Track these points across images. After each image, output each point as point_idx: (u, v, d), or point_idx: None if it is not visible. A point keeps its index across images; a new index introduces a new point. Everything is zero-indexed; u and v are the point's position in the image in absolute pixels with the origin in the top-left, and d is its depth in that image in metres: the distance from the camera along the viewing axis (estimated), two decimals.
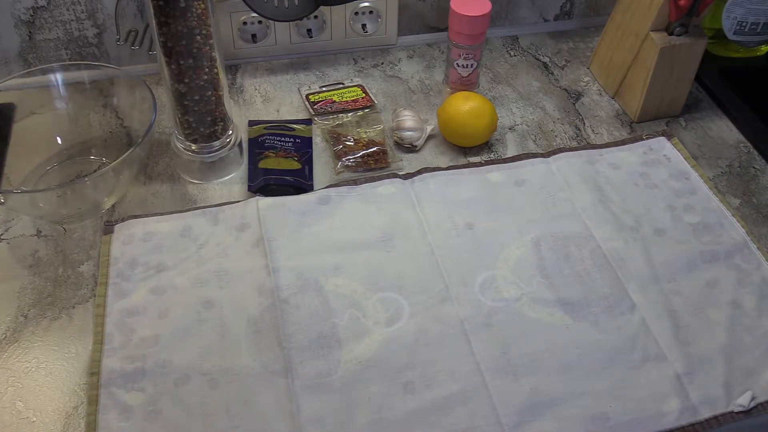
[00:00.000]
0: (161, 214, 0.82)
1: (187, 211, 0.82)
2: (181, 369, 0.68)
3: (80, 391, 0.68)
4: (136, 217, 0.81)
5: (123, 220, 0.81)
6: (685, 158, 0.91)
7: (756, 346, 0.71)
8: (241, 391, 0.67)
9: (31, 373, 0.69)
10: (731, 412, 0.66)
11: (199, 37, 0.76)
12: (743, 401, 0.67)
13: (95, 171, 0.87)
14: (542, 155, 0.90)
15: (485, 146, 0.94)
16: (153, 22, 0.75)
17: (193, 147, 0.85)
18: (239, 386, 0.67)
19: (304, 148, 0.91)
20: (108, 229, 0.80)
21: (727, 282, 0.76)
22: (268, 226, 0.80)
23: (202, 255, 0.78)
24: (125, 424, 0.64)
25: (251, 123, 0.95)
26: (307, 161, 0.89)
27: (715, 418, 0.66)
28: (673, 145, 0.93)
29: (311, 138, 0.93)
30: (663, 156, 0.91)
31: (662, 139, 0.94)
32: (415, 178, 0.87)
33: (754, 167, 0.93)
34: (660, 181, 0.88)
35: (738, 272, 0.77)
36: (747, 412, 0.66)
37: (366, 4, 1.03)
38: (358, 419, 0.65)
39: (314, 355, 0.69)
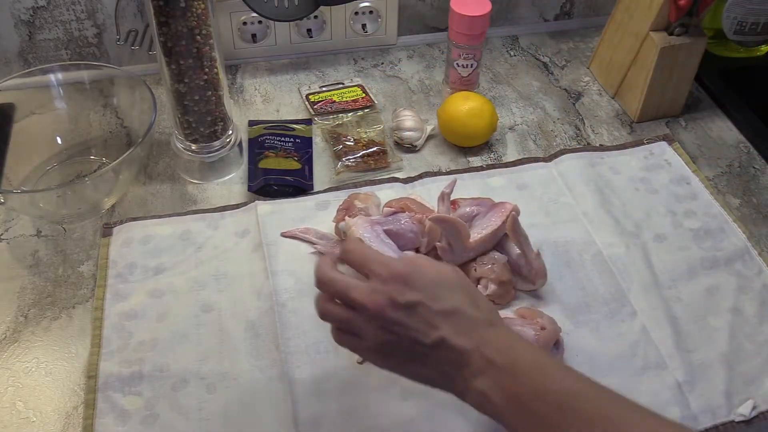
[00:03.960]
0: (160, 216, 0.82)
1: (186, 214, 0.82)
2: (178, 373, 0.68)
3: (80, 391, 0.68)
4: (134, 219, 0.81)
5: (122, 223, 0.81)
6: (686, 163, 0.91)
7: (757, 353, 0.71)
8: (238, 395, 0.67)
9: (31, 373, 0.69)
10: (732, 421, 0.66)
11: (199, 37, 0.76)
12: (744, 410, 0.66)
13: (95, 171, 0.87)
14: (543, 159, 0.90)
15: (485, 146, 0.94)
16: (153, 22, 0.75)
17: (193, 147, 0.85)
18: (237, 390, 0.67)
19: (304, 148, 0.91)
20: (107, 231, 0.80)
21: (727, 288, 0.76)
22: (268, 231, 0.80)
23: (200, 257, 0.78)
24: (122, 428, 0.64)
25: (251, 123, 0.95)
26: (307, 161, 0.89)
27: (716, 427, 0.66)
28: (674, 149, 0.92)
29: (311, 138, 0.93)
30: (664, 161, 0.91)
31: (663, 143, 0.93)
32: (415, 182, 0.87)
33: (754, 167, 0.93)
34: (661, 186, 0.87)
35: (739, 278, 0.77)
36: (748, 422, 0.66)
37: (366, 4, 1.03)
38: (356, 425, 0.65)
39: (312, 360, 0.69)
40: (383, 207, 0.78)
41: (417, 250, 0.75)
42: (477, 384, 0.52)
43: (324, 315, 0.57)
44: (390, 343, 0.54)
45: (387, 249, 0.71)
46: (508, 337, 0.54)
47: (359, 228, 0.72)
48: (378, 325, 0.54)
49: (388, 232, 0.73)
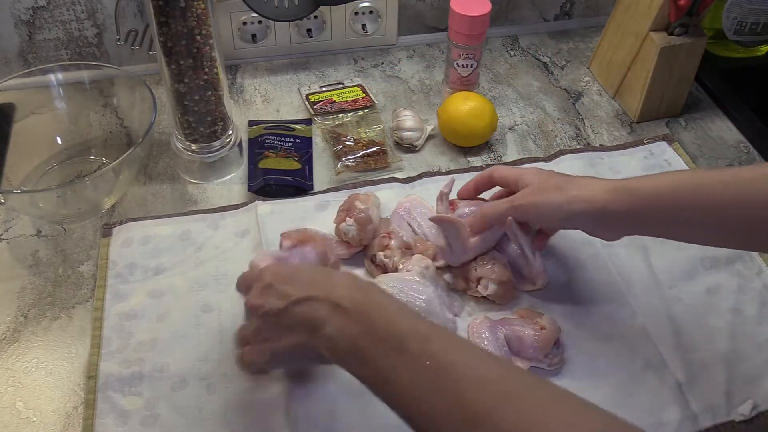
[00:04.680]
0: (160, 216, 0.82)
1: (186, 214, 0.82)
2: (178, 373, 0.68)
3: (80, 391, 0.68)
4: (134, 219, 0.81)
5: (121, 223, 0.81)
6: (686, 163, 0.90)
7: (757, 353, 0.71)
8: (238, 395, 0.67)
9: (31, 373, 0.69)
10: (732, 421, 0.66)
11: (199, 37, 0.76)
12: (744, 410, 0.66)
13: (95, 171, 0.87)
14: (543, 159, 0.90)
15: (485, 146, 0.94)
16: (153, 22, 0.75)
17: (193, 147, 0.85)
18: (237, 391, 0.67)
19: (304, 148, 0.91)
20: (106, 231, 0.80)
21: (727, 289, 0.76)
22: (268, 232, 0.80)
23: (200, 257, 0.78)
24: (122, 428, 0.64)
25: (251, 123, 0.95)
26: (307, 161, 0.89)
27: (716, 427, 0.66)
28: (674, 149, 0.92)
29: (311, 138, 0.93)
30: (664, 161, 0.91)
31: (663, 143, 0.93)
32: (415, 182, 0.87)
33: None
34: None
35: (739, 279, 0.77)
36: (748, 421, 0.66)
37: (366, 4, 1.03)
38: (356, 425, 0.65)
39: None
40: (280, 239, 0.73)
41: None
42: (327, 330, 0.54)
43: (235, 343, 0.64)
44: (261, 328, 0.60)
45: None
46: (357, 281, 0.58)
47: (264, 264, 0.68)
48: (255, 317, 0.60)
49: None
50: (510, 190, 0.73)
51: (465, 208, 0.76)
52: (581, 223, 0.67)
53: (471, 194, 0.77)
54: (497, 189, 0.78)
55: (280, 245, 0.72)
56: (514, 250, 0.75)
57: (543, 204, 0.67)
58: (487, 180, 0.75)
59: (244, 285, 0.64)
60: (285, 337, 0.58)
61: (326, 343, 0.54)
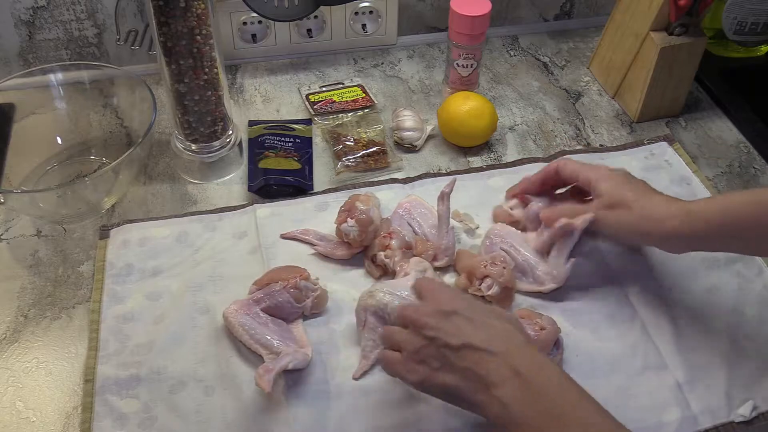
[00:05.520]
0: (157, 218, 0.82)
1: (184, 216, 0.82)
2: (176, 375, 0.68)
3: (80, 391, 0.68)
4: (131, 221, 0.81)
5: (119, 225, 0.81)
6: (686, 163, 0.90)
7: (757, 354, 0.71)
8: (236, 397, 0.67)
9: (31, 373, 0.69)
10: (732, 422, 0.66)
11: (199, 37, 0.76)
12: (744, 411, 0.66)
13: (95, 171, 0.87)
14: (543, 160, 0.90)
15: (485, 146, 0.94)
16: (153, 22, 0.75)
17: (193, 147, 0.85)
18: (234, 392, 0.67)
19: (304, 148, 0.91)
20: (104, 233, 0.80)
21: (727, 289, 0.76)
22: (267, 233, 0.80)
23: (197, 258, 0.78)
24: (120, 431, 0.64)
25: (251, 123, 0.95)
26: (307, 161, 0.89)
27: (716, 428, 0.66)
28: (674, 150, 0.92)
29: (311, 138, 0.93)
30: (664, 161, 0.91)
31: (663, 144, 0.93)
32: (415, 182, 0.87)
33: (754, 167, 0.93)
34: (661, 187, 0.85)
35: (739, 279, 0.77)
36: (748, 422, 0.66)
37: (366, 4, 1.03)
38: (355, 427, 0.65)
39: (311, 362, 0.69)
40: (251, 285, 0.74)
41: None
42: (500, 393, 0.53)
43: (381, 339, 0.64)
44: (423, 348, 0.58)
45: (270, 333, 0.68)
46: (539, 355, 0.56)
47: (236, 317, 0.69)
48: (416, 332, 0.58)
49: (266, 310, 0.71)
50: (578, 186, 0.76)
51: (539, 203, 0.77)
52: (647, 240, 0.73)
53: (536, 189, 0.78)
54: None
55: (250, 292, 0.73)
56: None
57: (613, 221, 0.71)
58: (553, 175, 0.77)
59: (419, 291, 0.63)
60: (447, 373, 0.57)
61: (497, 406, 0.54)
